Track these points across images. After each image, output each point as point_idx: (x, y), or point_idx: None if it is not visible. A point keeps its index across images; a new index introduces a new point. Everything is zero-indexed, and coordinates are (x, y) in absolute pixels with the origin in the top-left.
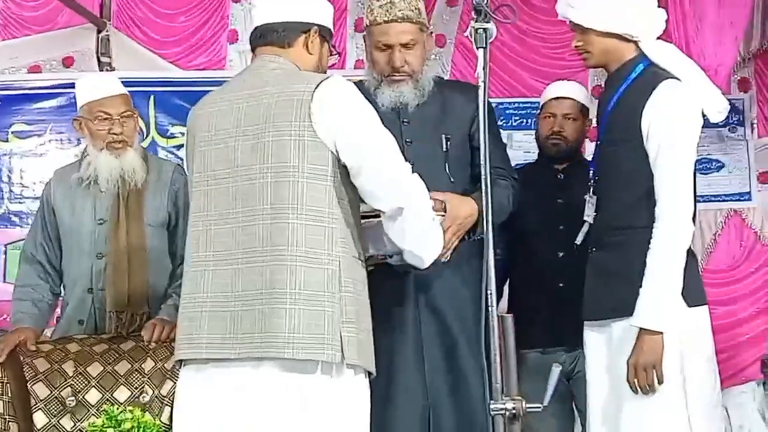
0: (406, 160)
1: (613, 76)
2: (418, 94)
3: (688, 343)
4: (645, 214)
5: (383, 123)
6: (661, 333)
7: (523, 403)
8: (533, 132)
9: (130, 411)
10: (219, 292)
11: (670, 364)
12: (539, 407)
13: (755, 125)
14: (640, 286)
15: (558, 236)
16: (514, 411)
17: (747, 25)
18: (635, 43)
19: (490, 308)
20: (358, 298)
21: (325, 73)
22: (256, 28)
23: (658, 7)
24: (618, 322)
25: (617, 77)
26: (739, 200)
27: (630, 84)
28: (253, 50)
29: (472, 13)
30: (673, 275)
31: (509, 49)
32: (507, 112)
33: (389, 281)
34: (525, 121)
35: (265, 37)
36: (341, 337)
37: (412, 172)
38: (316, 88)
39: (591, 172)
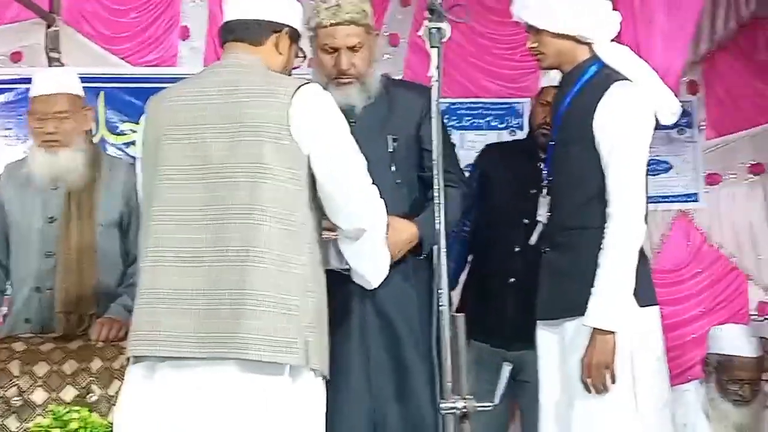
0: None
1: (566, 77)
2: (365, 95)
3: (638, 343)
4: (597, 215)
5: None
6: (613, 333)
7: (474, 401)
8: (485, 132)
9: (76, 411)
10: (182, 288)
11: (621, 364)
12: (490, 406)
13: (703, 127)
14: (593, 286)
15: (519, 230)
16: (464, 410)
17: (696, 28)
18: (589, 45)
19: (441, 307)
20: (321, 304)
21: (290, 74)
22: (227, 22)
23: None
24: (570, 322)
25: (571, 78)
26: (686, 201)
27: (583, 85)
28: (222, 44)
29: (426, 12)
30: (625, 275)
31: (462, 49)
32: (459, 112)
33: (336, 282)
34: (477, 121)
35: (237, 32)
36: (306, 341)
37: None
38: (295, 92)
39: (545, 172)
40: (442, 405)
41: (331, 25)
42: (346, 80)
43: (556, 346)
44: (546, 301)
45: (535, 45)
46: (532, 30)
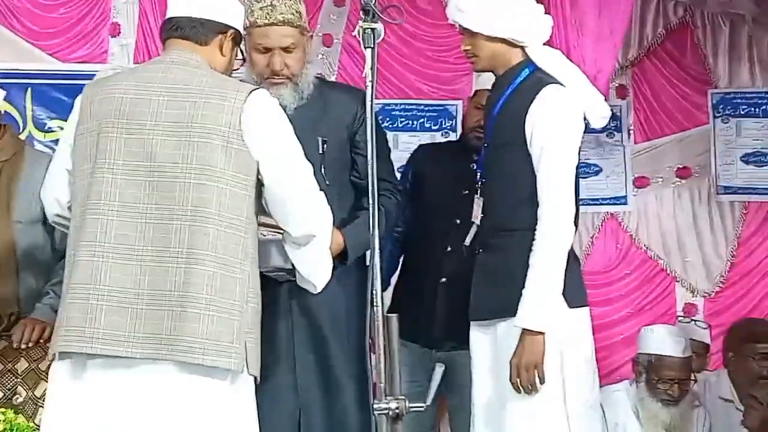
0: None
1: (499, 80)
2: (297, 96)
3: (567, 344)
4: (528, 217)
5: None
6: (543, 333)
7: (406, 402)
8: (419, 134)
9: (2, 413)
10: (120, 286)
11: (551, 365)
12: (422, 407)
13: (632, 131)
14: (524, 287)
15: (452, 230)
16: (397, 410)
17: (626, 33)
18: (522, 48)
19: (375, 307)
20: (257, 309)
21: (230, 75)
22: (172, 18)
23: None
24: (502, 323)
25: (503, 81)
26: (615, 204)
27: (515, 88)
28: (163, 40)
29: (360, 13)
30: (554, 277)
31: (396, 50)
32: (393, 113)
33: (264, 281)
34: (411, 122)
35: (182, 30)
36: (245, 346)
37: None
38: (247, 96)
39: (478, 174)
40: (375, 406)
41: (265, 25)
42: (278, 80)
43: (488, 346)
44: (478, 302)
45: (468, 47)
46: (467, 33)
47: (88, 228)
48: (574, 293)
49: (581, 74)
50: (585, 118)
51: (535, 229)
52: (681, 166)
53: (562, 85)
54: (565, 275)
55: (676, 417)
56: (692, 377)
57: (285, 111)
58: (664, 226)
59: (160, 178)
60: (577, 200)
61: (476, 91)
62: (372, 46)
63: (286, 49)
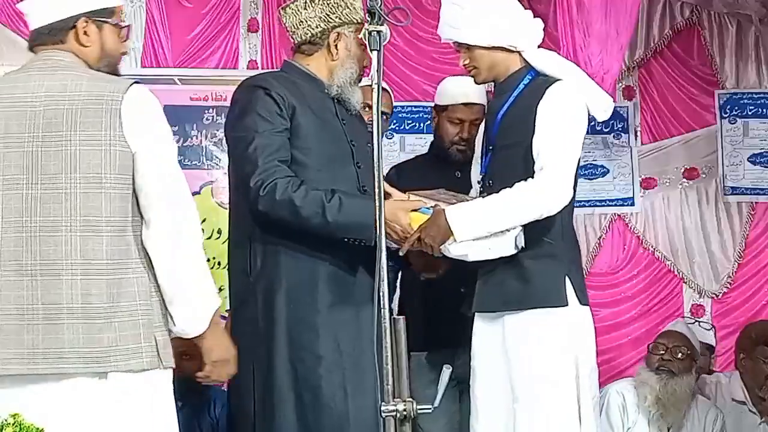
0: (355, 161)
1: (501, 87)
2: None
3: (580, 339)
4: None
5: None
6: (451, 234)
7: (414, 404)
8: (425, 136)
9: (11, 416)
10: (13, 304)
11: (566, 362)
12: (430, 408)
13: (639, 132)
14: (530, 281)
15: None
16: (404, 412)
17: (632, 34)
18: (519, 53)
19: (382, 309)
20: (160, 301)
21: (114, 56)
22: (30, 32)
23: (534, 17)
24: (510, 316)
25: (506, 87)
26: (622, 205)
27: (520, 92)
28: (32, 50)
29: (366, 15)
30: (503, 216)
31: (402, 53)
32: (400, 116)
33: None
34: (417, 124)
35: (38, 39)
36: (156, 342)
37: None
38: (124, 94)
39: (482, 177)
40: (382, 408)
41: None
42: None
43: (494, 339)
44: (485, 294)
45: (467, 61)
46: (463, 47)
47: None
48: (583, 291)
49: (579, 70)
50: (589, 112)
51: (541, 223)
52: (688, 167)
53: (564, 81)
54: (577, 272)
55: (668, 388)
56: (693, 359)
57: (352, 111)
58: (671, 227)
59: (42, 190)
60: (573, 200)
61: (448, 106)
62: (378, 48)
63: None
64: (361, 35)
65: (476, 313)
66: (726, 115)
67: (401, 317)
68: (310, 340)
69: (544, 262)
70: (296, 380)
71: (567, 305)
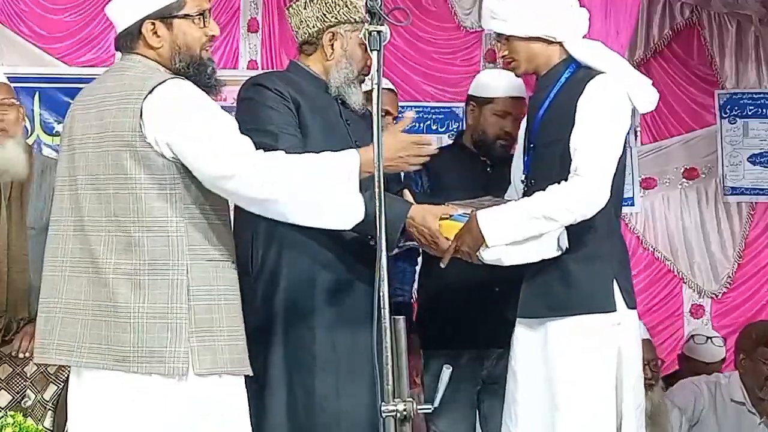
0: None
1: (542, 81)
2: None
3: (626, 346)
4: None
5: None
6: (483, 242)
7: (414, 404)
8: (425, 136)
9: (11, 416)
10: (71, 299)
11: (609, 368)
12: (430, 408)
13: (638, 132)
14: (576, 286)
15: None
16: (405, 412)
17: (632, 34)
18: (560, 44)
19: (382, 310)
20: (215, 305)
21: (192, 47)
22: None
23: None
24: (553, 322)
25: (547, 81)
26: (623, 205)
27: (561, 86)
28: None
29: (366, 16)
30: (531, 225)
31: (402, 53)
32: (400, 115)
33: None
34: (417, 125)
35: (117, 46)
36: (191, 348)
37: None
38: (149, 92)
39: (524, 176)
40: (383, 408)
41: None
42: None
43: (536, 345)
44: (529, 299)
45: (506, 53)
46: (502, 38)
47: (49, 245)
48: (631, 294)
49: (624, 61)
50: (631, 104)
51: (588, 224)
52: (688, 167)
53: (606, 74)
54: (625, 274)
55: (653, 401)
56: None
57: (359, 110)
58: (671, 227)
59: (89, 191)
60: (620, 198)
61: (494, 99)
62: (378, 48)
63: None
64: (361, 35)
65: (518, 320)
66: (726, 115)
67: (401, 317)
68: (306, 339)
69: (589, 265)
70: (290, 379)
71: (615, 310)
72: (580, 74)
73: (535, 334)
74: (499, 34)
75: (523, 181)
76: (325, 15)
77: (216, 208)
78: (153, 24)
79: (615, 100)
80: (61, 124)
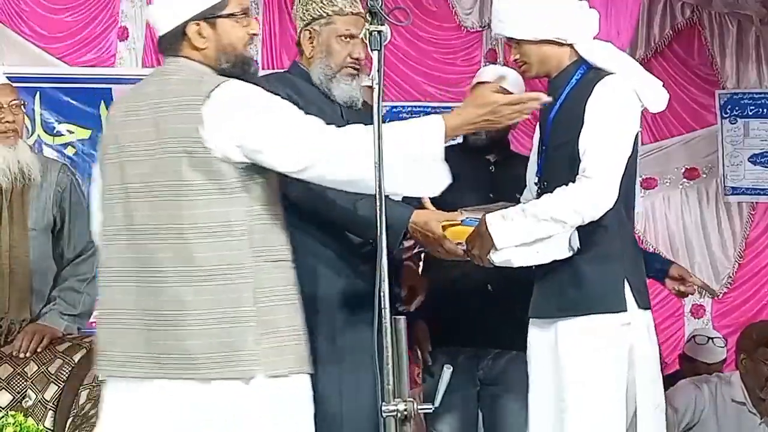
0: None
1: (553, 83)
2: (361, 92)
3: (639, 346)
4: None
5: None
6: (492, 243)
7: (415, 404)
8: None
9: (12, 416)
10: (130, 308)
11: (620, 368)
12: (431, 408)
13: (639, 132)
14: (586, 286)
15: None
16: (405, 412)
17: (633, 34)
18: (571, 46)
19: (383, 309)
20: (279, 306)
21: (237, 47)
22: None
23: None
24: (563, 322)
25: (558, 83)
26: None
27: (572, 88)
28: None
29: (367, 15)
30: (539, 228)
31: (403, 53)
32: (401, 115)
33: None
34: None
35: (160, 48)
36: (258, 350)
37: None
38: (207, 97)
39: (537, 179)
40: (383, 408)
41: (352, 14)
42: (357, 70)
43: (547, 345)
44: (540, 299)
45: (518, 56)
46: (513, 42)
47: (103, 254)
48: (644, 294)
49: (634, 62)
50: (641, 104)
51: (599, 225)
52: (689, 167)
53: (615, 75)
54: (637, 274)
55: None
56: None
57: (354, 104)
58: (671, 227)
59: (134, 198)
60: (631, 198)
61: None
62: (379, 48)
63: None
64: (362, 35)
65: (530, 321)
66: (726, 115)
67: (402, 317)
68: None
69: (600, 264)
70: None
71: (625, 310)
72: (590, 75)
73: (546, 335)
74: (509, 38)
75: (536, 183)
76: (303, 15)
77: (274, 207)
78: (197, 25)
79: (623, 101)
80: (62, 124)
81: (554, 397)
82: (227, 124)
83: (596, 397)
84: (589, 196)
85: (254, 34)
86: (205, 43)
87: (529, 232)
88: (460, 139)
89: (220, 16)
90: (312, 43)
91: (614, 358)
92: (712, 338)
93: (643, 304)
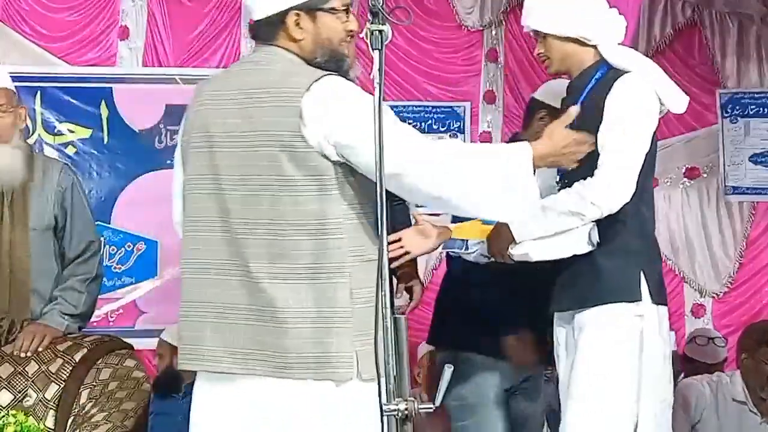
0: None
1: (574, 83)
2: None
3: (649, 340)
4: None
5: None
6: (513, 241)
7: (416, 404)
8: (427, 135)
9: (13, 415)
10: (218, 302)
11: (628, 360)
12: (431, 407)
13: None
14: (602, 278)
15: None
16: (406, 412)
17: (634, 33)
18: (595, 47)
19: (383, 309)
20: (371, 307)
21: (333, 43)
22: (249, 26)
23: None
24: (578, 314)
25: (579, 83)
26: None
27: (592, 88)
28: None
29: (368, 15)
30: (554, 223)
31: (404, 52)
32: (401, 115)
33: None
34: (419, 124)
35: (254, 34)
36: (355, 352)
37: None
38: (307, 89)
39: (559, 177)
40: (384, 407)
41: None
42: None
43: (567, 339)
44: (561, 292)
45: (541, 51)
46: (539, 35)
47: (185, 246)
48: (659, 290)
49: (655, 66)
50: (660, 103)
51: (618, 220)
52: (689, 167)
53: (634, 73)
54: (653, 270)
55: None
56: None
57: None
58: (672, 226)
59: (237, 192)
60: (648, 195)
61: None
62: (380, 48)
63: None
64: (362, 34)
65: (555, 315)
66: (727, 115)
67: (402, 316)
68: None
69: (617, 258)
70: None
71: (640, 300)
72: (610, 74)
73: (565, 330)
74: (536, 32)
75: (557, 182)
76: None
77: (367, 206)
78: (297, 15)
79: (642, 98)
80: (63, 123)
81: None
82: (325, 119)
83: (603, 386)
84: (607, 189)
85: (352, 31)
86: (302, 34)
87: (548, 226)
88: (462, 138)
89: (321, 9)
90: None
91: (625, 350)
92: (712, 339)
93: (658, 299)
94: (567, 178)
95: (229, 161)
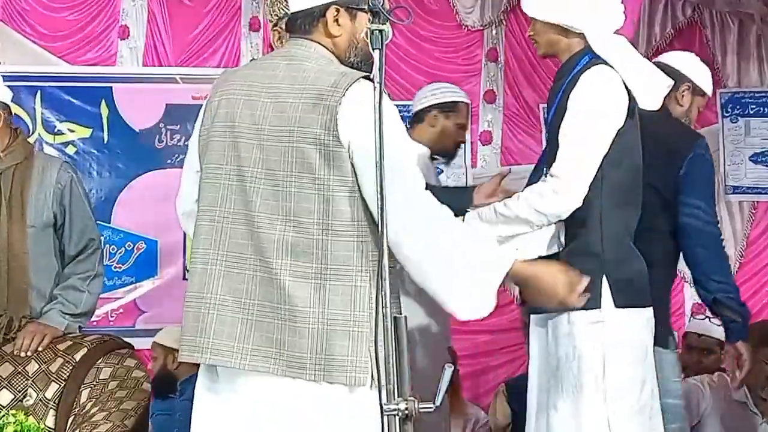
0: None
1: (562, 69)
2: None
3: (612, 345)
4: (592, 209)
5: None
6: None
7: (416, 403)
8: None
9: (13, 414)
10: (230, 296)
11: (591, 365)
12: (432, 407)
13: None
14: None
15: None
16: (407, 411)
17: (633, 34)
18: (582, 35)
19: (383, 309)
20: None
21: (362, 46)
22: (287, 17)
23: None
24: (557, 316)
25: (565, 70)
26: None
27: (572, 77)
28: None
29: (369, 14)
30: (511, 217)
31: (404, 52)
32: (401, 114)
33: None
34: None
35: (290, 25)
36: (370, 357)
37: None
38: (346, 90)
39: (544, 169)
40: (384, 406)
41: None
42: None
43: (542, 342)
44: None
45: (532, 33)
46: (532, 19)
47: (199, 235)
48: (626, 292)
49: (638, 56)
50: (631, 98)
51: (577, 221)
52: None
53: (606, 65)
54: (622, 272)
55: None
56: None
57: None
58: None
59: (252, 183)
60: (627, 195)
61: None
62: (380, 47)
63: None
64: (363, 34)
65: (531, 317)
66: (727, 114)
67: (402, 316)
68: None
69: (578, 261)
70: None
71: (598, 307)
72: (588, 64)
73: (541, 331)
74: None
75: (544, 174)
76: (270, 15)
77: None
78: (337, 11)
79: (604, 92)
80: (63, 123)
81: (544, 395)
82: (356, 124)
83: (569, 393)
84: (552, 196)
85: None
86: (339, 31)
87: (500, 231)
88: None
89: (361, 9)
90: (281, 41)
91: (586, 355)
92: (708, 316)
93: (621, 302)
94: (543, 170)
95: (255, 154)
